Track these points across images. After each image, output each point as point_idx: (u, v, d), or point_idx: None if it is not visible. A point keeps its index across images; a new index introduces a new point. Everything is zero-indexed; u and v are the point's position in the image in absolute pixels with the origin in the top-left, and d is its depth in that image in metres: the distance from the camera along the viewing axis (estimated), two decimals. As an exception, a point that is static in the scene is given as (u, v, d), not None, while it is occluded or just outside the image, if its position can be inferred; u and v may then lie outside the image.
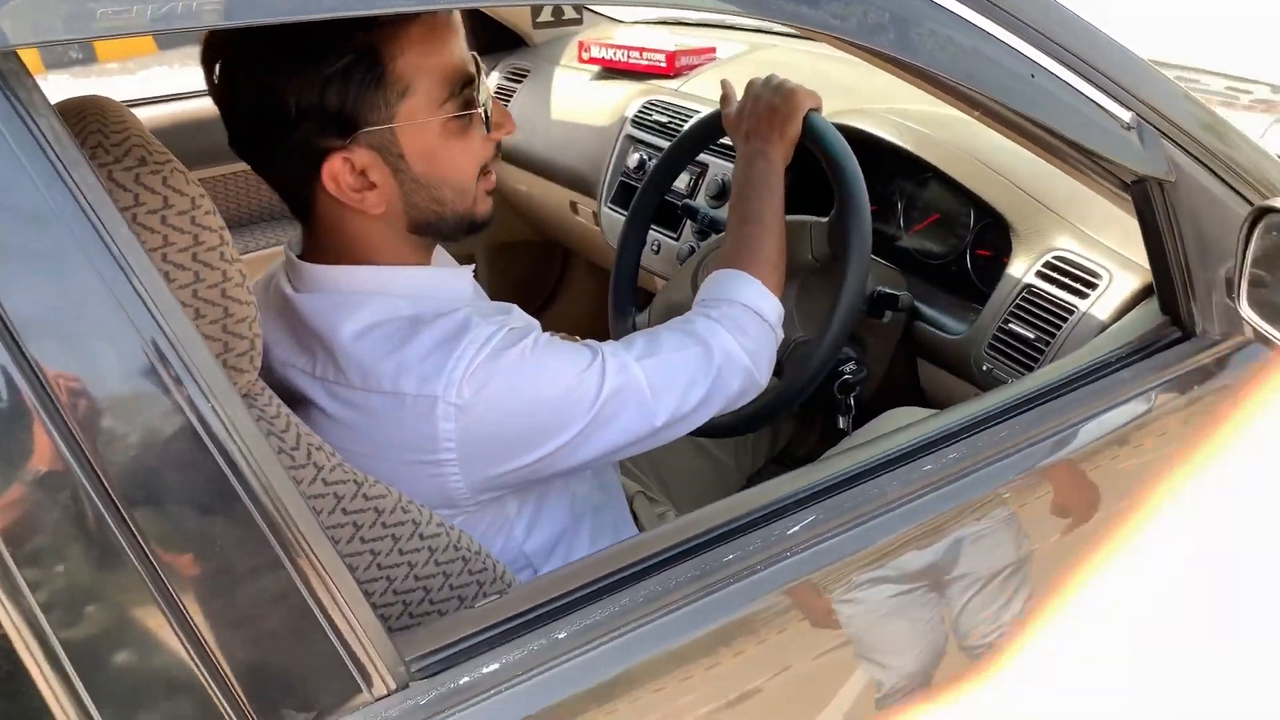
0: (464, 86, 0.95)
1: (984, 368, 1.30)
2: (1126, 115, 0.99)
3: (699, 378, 1.05)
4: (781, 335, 1.14)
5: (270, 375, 1.01)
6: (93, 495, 0.58)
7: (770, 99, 1.25)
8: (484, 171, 1.01)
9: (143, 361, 0.60)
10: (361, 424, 0.94)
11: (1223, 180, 1.04)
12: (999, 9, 0.89)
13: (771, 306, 1.13)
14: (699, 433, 1.29)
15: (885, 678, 0.88)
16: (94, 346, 0.59)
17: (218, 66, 0.92)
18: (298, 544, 0.64)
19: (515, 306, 1.05)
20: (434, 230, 1.01)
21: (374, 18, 0.88)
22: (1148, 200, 1.05)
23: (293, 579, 0.64)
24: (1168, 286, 1.09)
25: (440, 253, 1.10)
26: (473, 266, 1.09)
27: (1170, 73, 1.87)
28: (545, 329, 1.02)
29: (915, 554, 0.88)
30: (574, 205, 2.10)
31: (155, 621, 0.61)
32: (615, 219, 1.89)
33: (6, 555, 0.56)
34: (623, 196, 1.90)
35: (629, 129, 1.91)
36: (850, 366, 1.35)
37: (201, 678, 0.62)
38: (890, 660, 0.88)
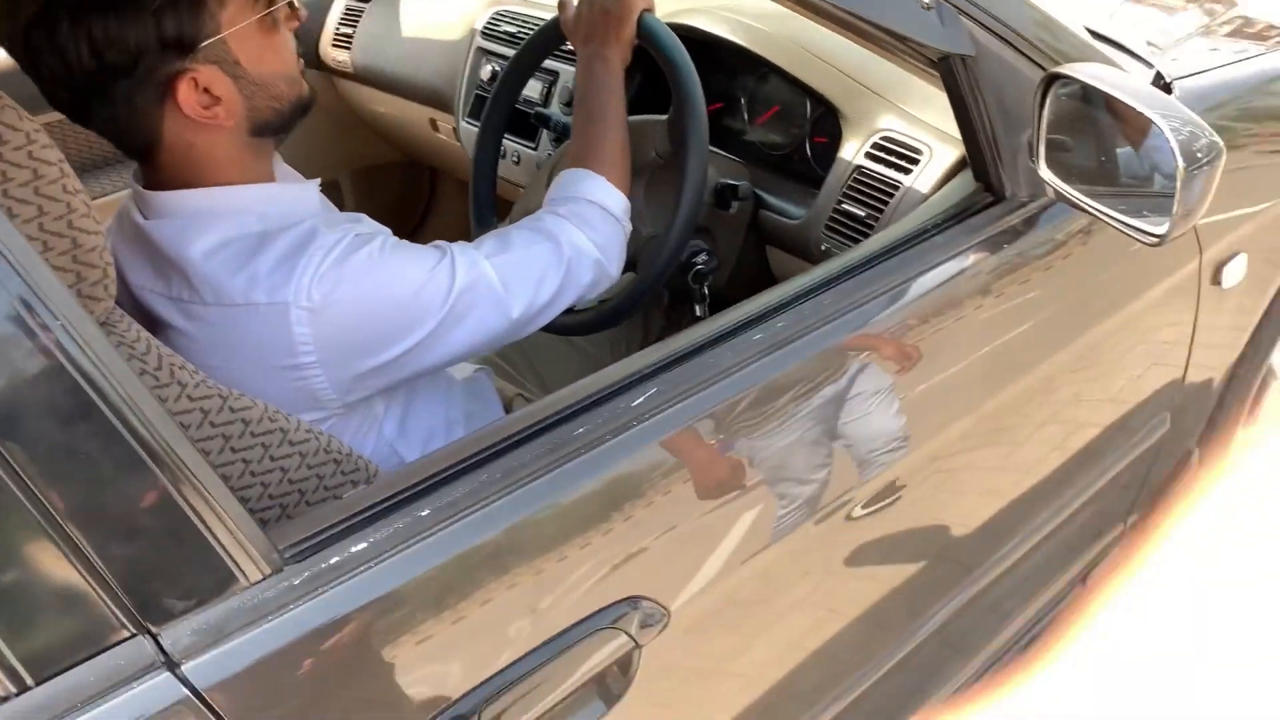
0: None
1: (823, 247, 1.38)
2: (925, -5, 1.06)
3: (550, 271, 1.10)
4: (629, 228, 1.20)
5: (129, 303, 1.03)
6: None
7: (604, 3, 1.28)
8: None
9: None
10: (220, 339, 0.98)
11: (1018, 51, 1.12)
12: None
13: (616, 201, 1.18)
14: (568, 331, 1.36)
15: (733, 528, 0.96)
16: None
17: (34, 39, 0.92)
18: (164, 453, 0.68)
19: (364, 216, 1.09)
20: (274, 128, 1.04)
21: None
22: (953, 75, 1.13)
23: (163, 484, 0.68)
24: (978, 155, 1.18)
25: (287, 171, 1.13)
26: (318, 181, 1.12)
27: None
28: None
29: (748, 415, 0.96)
30: (434, 122, 2.11)
31: (37, 541, 0.64)
32: (474, 133, 1.91)
33: None
34: (479, 110, 1.91)
35: (479, 41, 1.93)
36: (702, 257, 1.42)
37: (85, 582, 0.66)
38: (737, 513, 0.96)
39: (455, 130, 2.02)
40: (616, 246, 1.18)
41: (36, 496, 0.64)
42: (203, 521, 0.70)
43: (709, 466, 0.94)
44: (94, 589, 0.66)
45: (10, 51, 0.94)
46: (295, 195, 1.07)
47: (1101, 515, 1.54)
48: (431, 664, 0.79)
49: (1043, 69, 1.13)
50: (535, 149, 1.79)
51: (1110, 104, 1.05)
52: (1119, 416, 1.41)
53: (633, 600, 0.88)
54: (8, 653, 0.64)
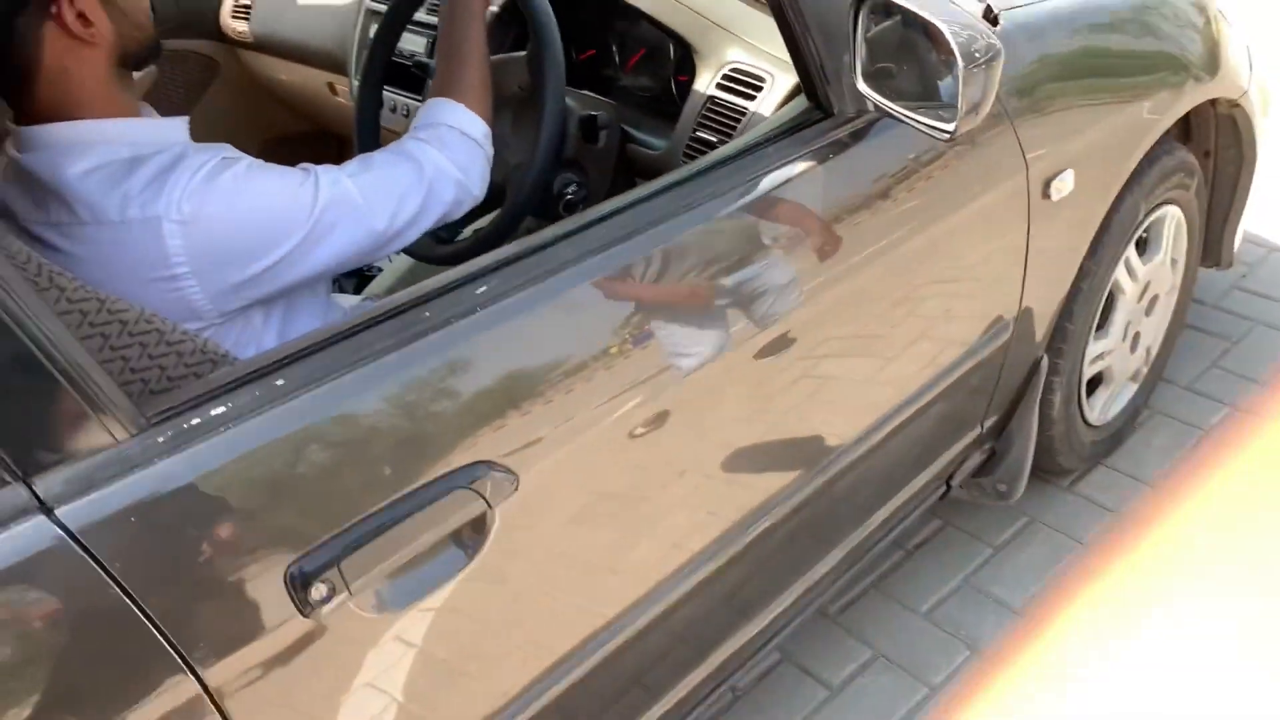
0: None
1: (681, 172, 1.49)
2: (742, -74, 1.17)
3: (411, 189, 1.20)
4: (489, 151, 1.30)
5: (18, 234, 1.11)
6: None
7: None
8: None
9: None
10: (97, 256, 1.06)
11: (833, -25, 1.24)
12: None
13: (476, 126, 1.28)
14: (443, 261, 1.45)
15: (580, 401, 1.07)
16: None
17: None
18: (40, 332, 0.77)
19: (229, 145, 1.17)
20: (137, 58, 1.14)
21: None
22: (779, 4, 1.24)
23: (38, 357, 0.77)
24: (806, 76, 1.29)
25: (152, 112, 1.21)
26: (186, 119, 1.20)
27: None
28: None
29: (587, 305, 1.06)
30: (332, 86, 2.19)
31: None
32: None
33: None
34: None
35: (369, 3, 2.01)
36: (572, 188, 1.52)
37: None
38: (582, 387, 1.07)
39: (351, 91, 2.10)
40: (478, 167, 1.28)
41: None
42: (74, 387, 0.79)
43: (550, 349, 1.04)
44: (-29, 442, 0.75)
45: None
46: (164, 126, 1.16)
47: (955, 418, 1.67)
48: (291, 514, 0.88)
49: (855, -4, 1.24)
50: (422, 100, 1.88)
51: (906, 18, 1.16)
52: (957, 320, 1.53)
53: (486, 464, 0.98)
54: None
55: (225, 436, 0.85)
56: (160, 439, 0.83)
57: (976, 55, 1.09)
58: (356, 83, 2.03)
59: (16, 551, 0.76)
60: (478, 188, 1.27)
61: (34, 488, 0.77)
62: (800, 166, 1.25)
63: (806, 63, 1.28)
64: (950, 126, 1.12)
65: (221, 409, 0.86)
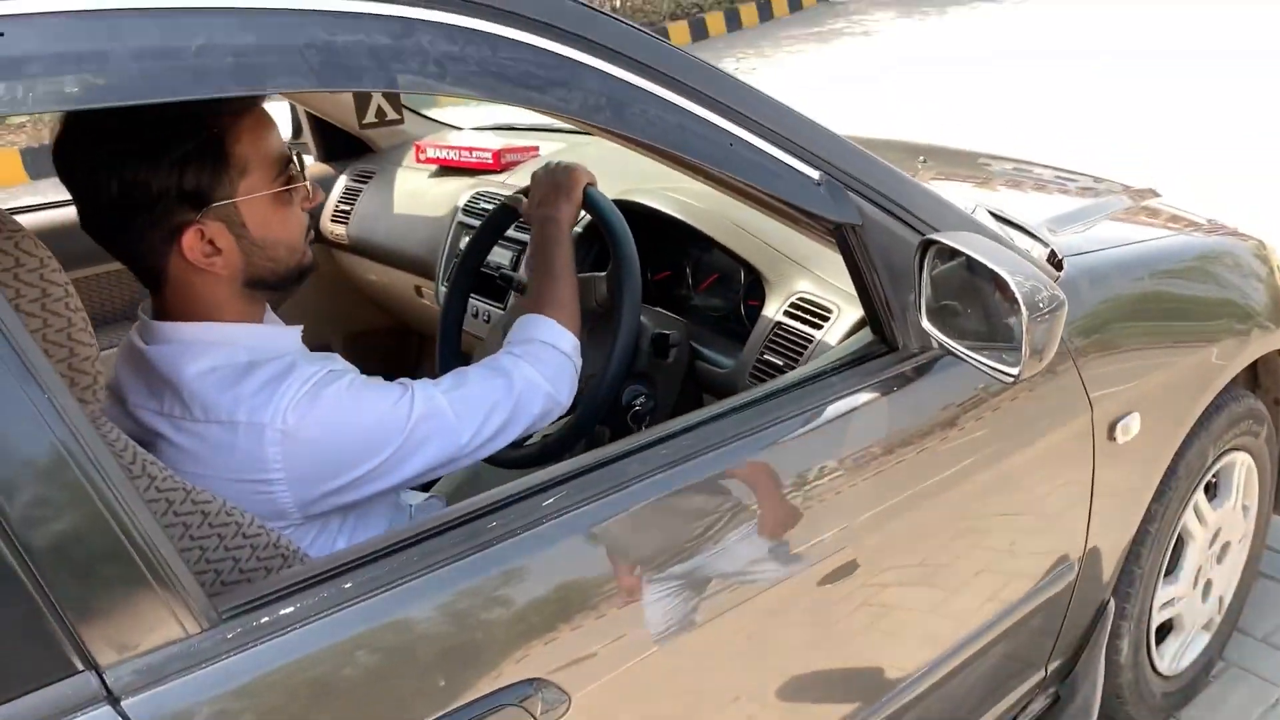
0: (286, 165, 1.17)
1: (746, 394, 1.53)
2: (815, 174, 1.24)
3: (500, 404, 1.25)
4: (578, 362, 1.36)
5: (125, 418, 1.18)
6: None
7: (554, 176, 1.49)
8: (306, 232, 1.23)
9: (7, 385, 0.77)
10: (203, 451, 1.12)
11: (900, 220, 1.30)
12: (696, 91, 1.14)
13: (566, 340, 1.35)
14: (512, 465, 1.49)
15: (637, 625, 1.07)
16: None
17: (75, 160, 1.10)
18: (127, 518, 0.81)
19: (338, 356, 1.24)
20: (268, 284, 1.21)
21: (215, 110, 1.09)
22: (846, 242, 1.30)
23: (121, 541, 0.81)
24: (872, 311, 1.34)
25: (274, 318, 1.29)
26: (300, 328, 1.28)
27: (1008, 164, 2.21)
28: None
29: (652, 521, 1.08)
30: (419, 289, 2.31)
31: (8, 576, 0.76)
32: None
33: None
34: (455, 276, 2.11)
35: (461, 217, 2.15)
36: (640, 400, 1.57)
37: (46, 618, 0.77)
38: (640, 610, 1.07)
39: (436, 295, 2.21)
40: (567, 379, 1.34)
41: (14, 541, 0.76)
42: (155, 578, 0.82)
43: (614, 565, 1.06)
44: (52, 624, 0.78)
45: (58, 171, 1.12)
46: (280, 335, 1.23)
47: (1019, 659, 1.62)
48: (345, 720, 0.89)
49: (919, 234, 1.31)
50: (504, 310, 1.97)
51: (976, 265, 1.21)
52: (1019, 559, 1.51)
53: (536, 682, 0.98)
54: (-30, 676, 0.75)
55: (291, 637, 0.87)
56: (230, 635, 0.85)
57: (1040, 305, 1.13)
58: (443, 288, 2.16)
59: (79, 740, 0.77)
60: (565, 398, 1.33)
61: (104, 677, 0.79)
62: (864, 397, 1.28)
63: (872, 299, 1.33)
64: (1014, 371, 1.15)
65: (290, 609, 0.88)
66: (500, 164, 2.23)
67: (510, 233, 1.96)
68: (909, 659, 1.39)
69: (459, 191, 2.21)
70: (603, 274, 1.52)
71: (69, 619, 0.78)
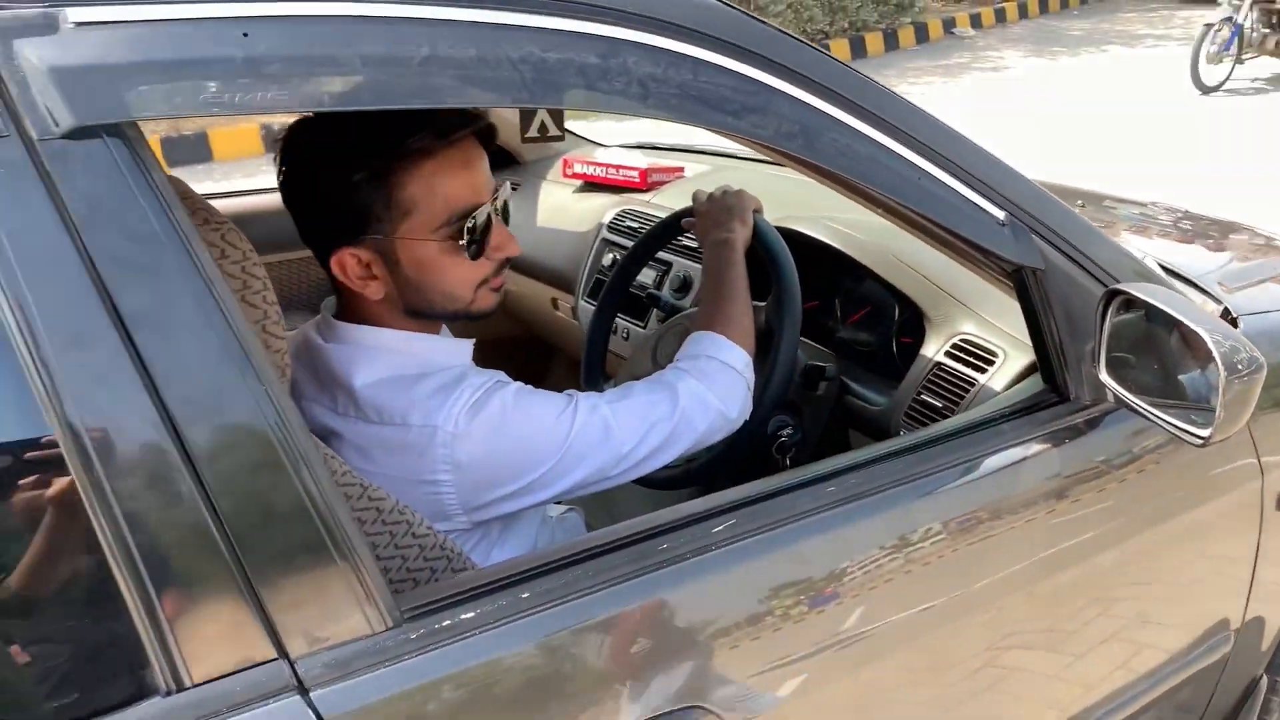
0: (462, 218, 1.14)
1: (900, 433, 1.50)
2: (1000, 214, 1.22)
3: (663, 419, 1.24)
4: (751, 379, 1.34)
5: (300, 408, 1.21)
6: (172, 451, 0.77)
7: (725, 200, 1.49)
8: (486, 285, 1.21)
9: (218, 353, 0.79)
10: (375, 450, 1.14)
11: (1082, 267, 1.27)
12: (888, 123, 1.12)
13: (736, 355, 1.34)
14: (655, 485, 1.49)
15: (792, 660, 1.05)
16: (182, 339, 0.78)
17: (283, 157, 1.16)
18: (328, 512, 0.82)
19: (503, 373, 1.25)
20: (425, 316, 1.22)
21: (401, 151, 1.11)
22: (1025, 286, 1.27)
23: (322, 535, 0.82)
24: (1045, 359, 1.31)
25: (445, 330, 1.31)
26: (473, 341, 1.29)
27: (1134, 208, 2.15)
28: None
29: (816, 558, 1.06)
30: (555, 301, 2.33)
31: (217, 564, 0.78)
32: (590, 309, 2.12)
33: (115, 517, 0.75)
34: (598, 291, 2.13)
35: (605, 233, 2.16)
36: (787, 431, 1.55)
37: (247, 608, 0.79)
38: (796, 645, 1.05)
39: (573, 309, 2.23)
40: (738, 397, 1.32)
41: (224, 526, 0.78)
42: (347, 570, 0.83)
43: (773, 599, 1.04)
44: (251, 611, 0.79)
45: (278, 176, 1.18)
46: (452, 349, 1.25)
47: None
48: (514, 731, 0.89)
49: (1104, 286, 1.27)
50: (645, 328, 1.98)
51: (1163, 319, 1.17)
52: (1174, 627, 1.45)
53: (697, 710, 0.97)
54: (179, 655, 0.77)
55: (470, 642, 0.87)
56: (413, 635, 0.86)
57: (1239, 367, 1.08)
58: (583, 302, 2.17)
59: (269, 726, 0.79)
60: (736, 414, 1.32)
61: (295, 667, 0.81)
62: (1035, 448, 1.24)
63: (1047, 345, 1.29)
64: (1205, 433, 1.11)
65: (471, 614, 0.89)
66: (646, 183, 2.24)
67: (659, 253, 1.96)
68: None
69: (604, 208, 2.22)
70: (761, 304, 1.50)
71: (267, 606, 0.80)
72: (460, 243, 1.15)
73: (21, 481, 0.76)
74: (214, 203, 1.12)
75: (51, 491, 0.76)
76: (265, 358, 0.82)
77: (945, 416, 1.46)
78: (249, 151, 7.17)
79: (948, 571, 1.15)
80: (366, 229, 1.14)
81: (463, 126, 1.14)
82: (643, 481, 1.54)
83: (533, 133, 2.10)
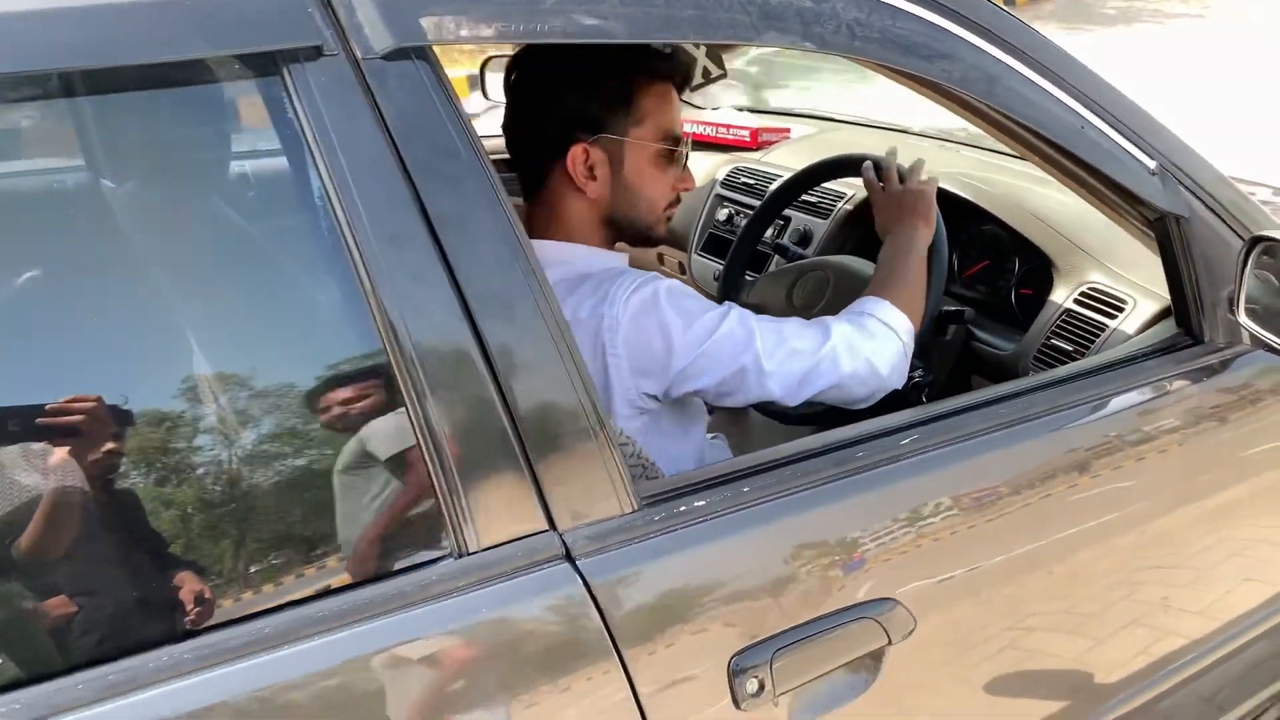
0: (676, 140, 1.33)
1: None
2: (1152, 163, 1.30)
3: (807, 350, 1.30)
4: (910, 346, 1.39)
5: None
6: (471, 341, 0.87)
7: (913, 195, 1.53)
8: (670, 206, 1.38)
9: (508, 258, 0.89)
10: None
11: (1221, 219, 1.34)
12: (1054, 73, 1.21)
13: (898, 319, 1.38)
14: (788, 420, 1.58)
15: (978, 560, 1.14)
16: (479, 243, 0.88)
17: (516, 74, 1.32)
18: (590, 405, 0.92)
19: (658, 273, 1.35)
20: (620, 228, 1.35)
21: (637, 68, 1.27)
22: (1167, 234, 1.35)
23: (586, 424, 0.92)
24: (1182, 304, 1.38)
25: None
26: (627, 253, 1.40)
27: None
28: None
29: (993, 472, 1.15)
30: (661, 256, 2.42)
31: (505, 452, 0.88)
32: (704, 264, 2.21)
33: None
34: (711, 246, 2.21)
35: (719, 189, 2.25)
36: (919, 372, 1.63)
37: (530, 487, 0.89)
38: (984, 549, 1.14)
39: (682, 264, 2.32)
40: (893, 356, 1.36)
41: (511, 412, 0.88)
42: (604, 457, 0.93)
43: (952, 508, 1.13)
44: (532, 490, 0.89)
45: (505, 84, 1.34)
46: (611, 256, 1.37)
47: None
48: (742, 608, 0.98)
49: (1239, 235, 1.34)
50: (758, 277, 2.06)
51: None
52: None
53: (892, 601, 1.06)
54: (472, 524, 0.87)
55: (704, 526, 0.97)
56: (656, 518, 0.95)
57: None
58: (696, 255, 2.26)
59: (544, 588, 0.89)
60: (888, 371, 1.35)
61: (564, 539, 0.90)
62: (1177, 384, 1.32)
63: (1185, 290, 1.37)
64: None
65: (702, 502, 0.98)
66: (757, 142, 2.32)
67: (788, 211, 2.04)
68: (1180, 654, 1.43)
69: (716, 166, 2.31)
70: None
71: (543, 484, 0.90)
72: (677, 153, 1.33)
73: (345, 364, 0.86)
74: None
75: (369, 372, 0.86)
76: (540, 266, 0.92)
77: (1074, 359, 1.54)
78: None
79: (1110, 493, 1.24)
80: (604, 128, 1.29)
81: (680, 66, 1.34)
82: (778, 415, 1.64)
83: (698, 79, 2.20)
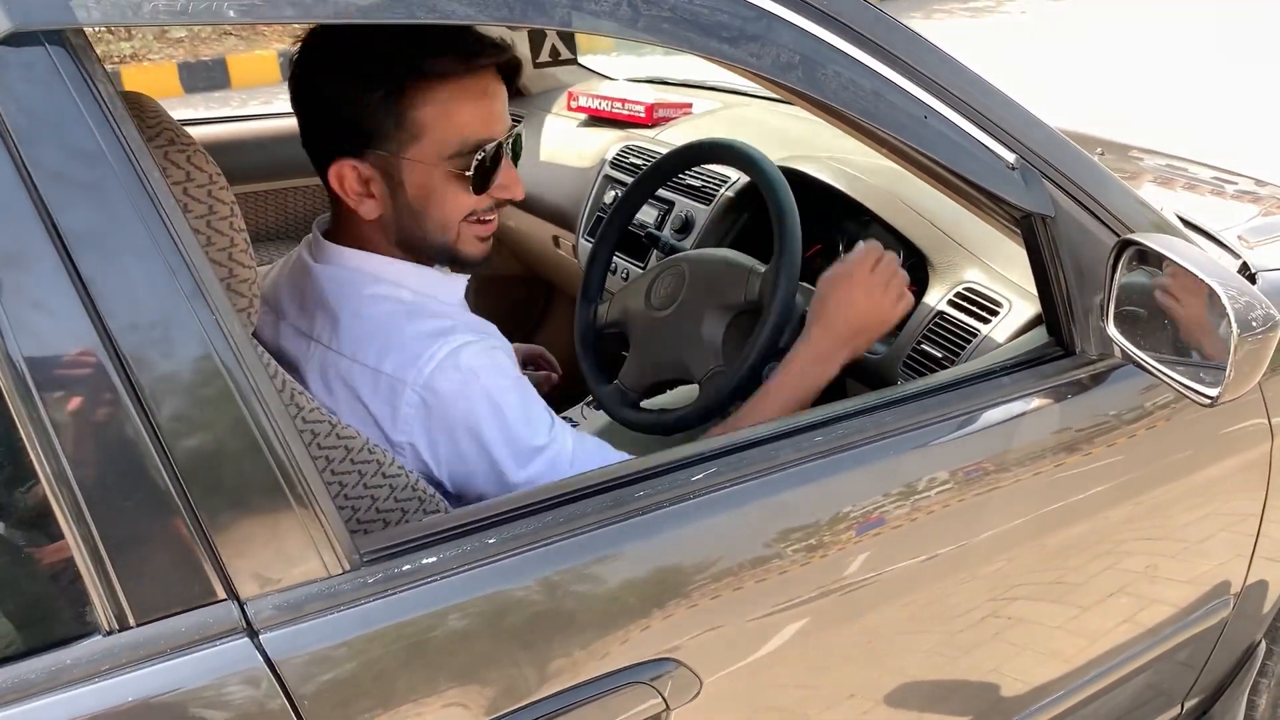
0: (473, 150, 1.10)
1: (899, 384, 1.45)
2: (1010, 157, 1.15)
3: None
4: None
5: (274, 331, 1.18)
6: (115, 380, 0.73)
7: (862, 319, 1.35)
8: (475, 219, 1.16)
9: (167, 278, 0.75)
10: (339, 387, 1.10)
11: (1095, 216, 1.20)
12: (896, 57, 1.06)
13: None
14: (642, 429, 1.45)
15: (774, 617, 1.02)
16: (127, 263, 0.74)
17: (294, 71, 1.13)
18: (282, 450, 0.79)
19: (494, 327, 1.20)
20: (416, 250, 1.17)
21: (418, 71, 1.08)
22: (1033, 233, 1.21)
23: (275, 474, 0.78)
24: (1051, 310, 1.25)
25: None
26: (467, 277, 1.25)
27: (1161, 160, 2.06)
28: None
29: (798, 508, 1.03)
30: (556, 239, 2.28)
31: (164, 504, 0.74)
32: (590, 248, 2.06)
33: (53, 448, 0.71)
34: (598, 229, 2.07)
35: (608, 170, 2.10)
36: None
37: (196, 545, 0.76)
38: (779, 603, 1.02)
39: (574, 247, 2.18)
40: None
41: (169, 462, 0.75)
42: (301, 511, 0.79)
43: (756, 549, 1.00)
44: (199, 549, 0.76)
45: (290, 85, 1.15)
46: (446, 284, 1.20)
47: (1156, 690, 1.52)
48: (473, 681, 0.86)
49: (1117, 236, 1.21)
50: (644, 268, 1.93)
51: (1175, 272, 1.11)
52: (1176, 587, 1.41)
53: (669, 662, 0.94)
54: (121, 594, 0.74)
55: (431, 588, 0.84)
56: (370, 580, 0.82)
57: (1254, 324, 1.02)
58: (583, 240, 2.12)
59: (214, 670, 0.76)
60: None
61: (245, 608, 0.77)
62: (1036, 402, 1.19)
63: (1054, 296, 1.24)
64: (1213, 392, 1.06)
65: (433, 559, 0.85)
66: (652, 119, 2.17)
67: (662, 192, 1.90)
68: (1056, 675, 1.31)
69: (608, 144, 2.16)
70: (762, 268, 1.44)
71: (215, 545, 0.77)
72: (467, 174, 1.11)
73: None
74: (198, 129, 1.08)
75: (-13, 420, 0.72)
76: (218, 285, 0.78)
77: (943, 367, 1.41)
78: (268, 79, 7.09)
79: (944, 525, 1.11)
80: (371, 144, 1.11)
81: (485, 54, 1.10)
82: (631, 424, 1.51)
83: (544, 57, 2.02)
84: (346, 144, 1.11)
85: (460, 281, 1.22)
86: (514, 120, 1.19)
